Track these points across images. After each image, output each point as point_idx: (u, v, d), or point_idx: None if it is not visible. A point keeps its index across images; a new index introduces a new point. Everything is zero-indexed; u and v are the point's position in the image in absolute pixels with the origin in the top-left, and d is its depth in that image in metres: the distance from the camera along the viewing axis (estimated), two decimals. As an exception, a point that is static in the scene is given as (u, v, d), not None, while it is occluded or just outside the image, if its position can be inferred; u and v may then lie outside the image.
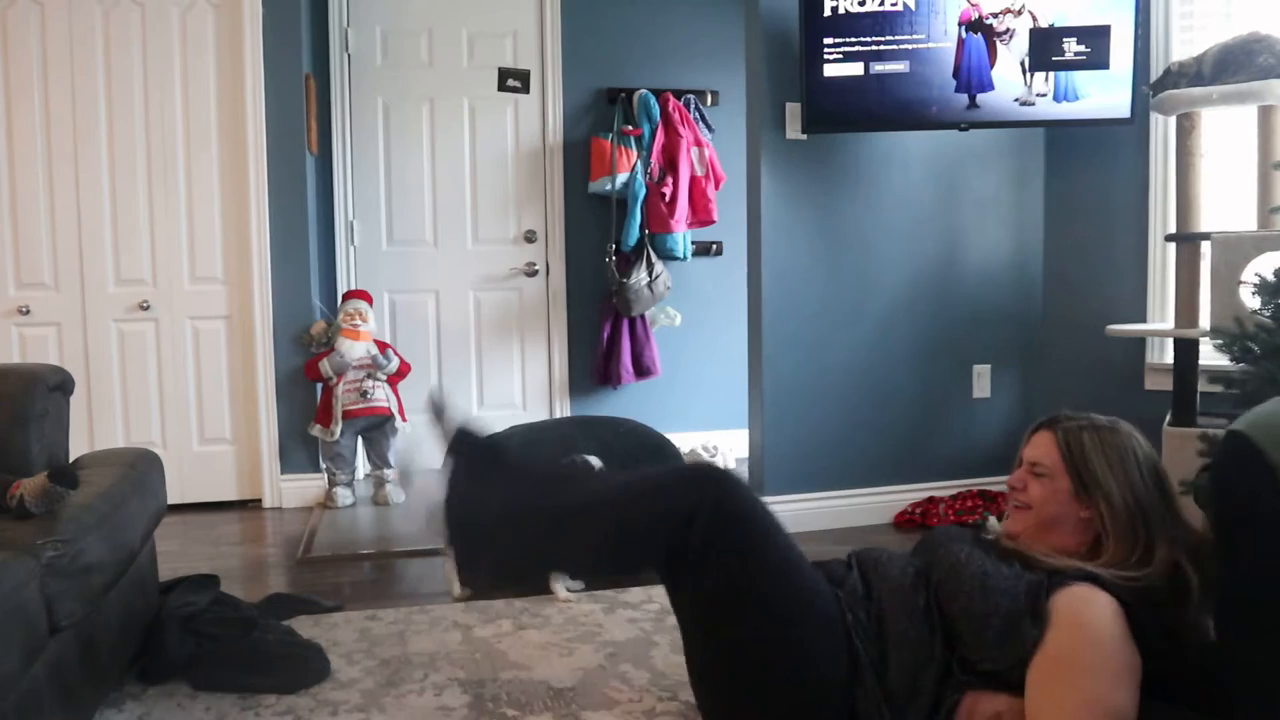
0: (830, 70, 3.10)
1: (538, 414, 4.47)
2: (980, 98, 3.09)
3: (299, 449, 3.90)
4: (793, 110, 3.27)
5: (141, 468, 2.20)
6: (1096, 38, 3.03)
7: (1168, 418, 2.97)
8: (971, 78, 3.08)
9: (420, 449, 3.23)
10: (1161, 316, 3.34)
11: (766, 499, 3.32)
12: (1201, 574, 1.47)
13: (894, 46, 3.08)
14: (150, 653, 2.10)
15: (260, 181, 3.78)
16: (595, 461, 2.63)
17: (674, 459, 3.04)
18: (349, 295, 3.97)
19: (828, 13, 3.08)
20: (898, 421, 3.51)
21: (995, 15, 3.05)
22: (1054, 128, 3.45)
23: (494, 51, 4.40)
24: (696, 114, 4.42)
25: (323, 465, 3.88)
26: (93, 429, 3.76)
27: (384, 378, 3.87)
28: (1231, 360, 2.45)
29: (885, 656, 1.51)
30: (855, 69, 3.09)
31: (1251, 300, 2.51)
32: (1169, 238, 3.09)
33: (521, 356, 4.52)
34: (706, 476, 1.58)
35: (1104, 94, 3.06)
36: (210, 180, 3.80)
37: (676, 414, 4.55)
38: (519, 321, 4.50)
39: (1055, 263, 3.65)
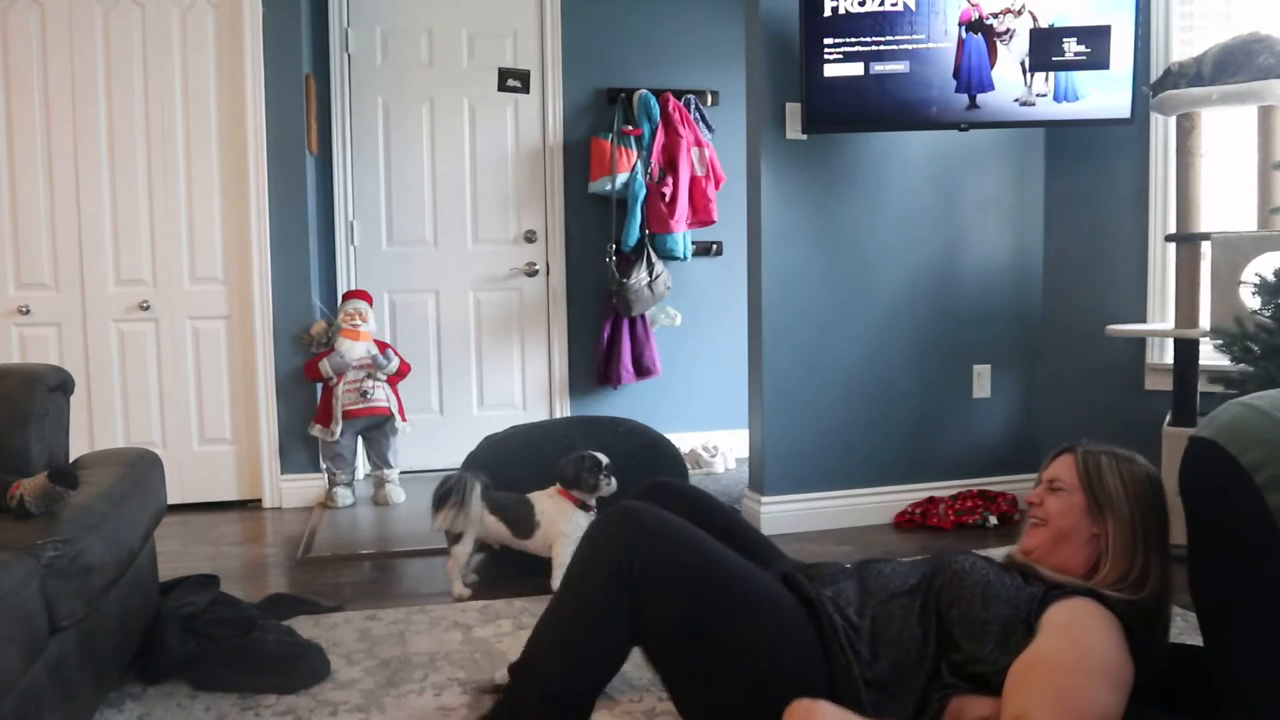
0: (830, 70, 3.10)
1: (538, 414, 4.47)
2: (980, 98, 3.09)
3: (299, 449, 3.90)
4: (793, 110, 3.27)
5: (141, 468, 2.20)
6: (1096, 38, 3.03)
7: (1168, 418, 2.97)
8: (971, 78, 3.08)
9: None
10: (1161, 316, 3.34)
11: (767, 499, 3.36)
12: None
13: (894, 47, 3.07)
14: (150, 652, 2.11)
15: (260, 181, 3.78)
16: (602, 458, 2.62)
17: (673, 459, 3.04)
18: (349, 295, 3.97)
19: (828, 13, 3.08)
20: (898, 421, 3.51)
21: (995, 15, 3.05)
22: (1054, 128, 3.45)
23: (494, 51, 4.39)
24: (696, 114, 4.42)
25: (323, 465, 3.88)
26: (93, 429, 3.76)
27: (384, 378, 3.86)
28: (1231, 360, 2.45)
29: (877, 657, 1.54)
30: (855, 69, 3.09)
31: (1251, 300, 2.52)
32: (1169, 238, 3.09)
33: (521, 356, 4.52)
34: (608, 530, 1.58)
35: (1104, 94, 3.06)
36: (210, 180, 3.80)
37: (676, 414, 4.55)
38: (519, 321, 4.50)
39: (1055, 263, 3.64)
